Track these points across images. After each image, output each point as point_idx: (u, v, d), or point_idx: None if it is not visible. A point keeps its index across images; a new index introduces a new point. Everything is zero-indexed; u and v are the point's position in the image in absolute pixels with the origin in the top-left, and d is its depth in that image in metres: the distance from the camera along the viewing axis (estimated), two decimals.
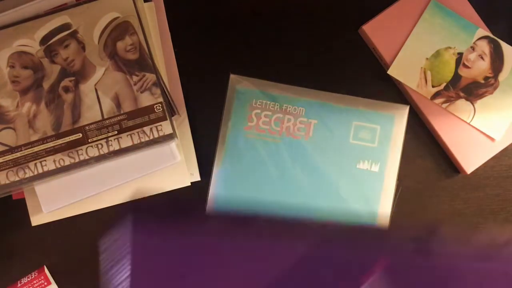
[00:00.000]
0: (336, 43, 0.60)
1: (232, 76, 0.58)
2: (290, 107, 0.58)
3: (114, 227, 0.57)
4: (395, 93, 0.60)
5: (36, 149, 0.51)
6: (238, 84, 0.58)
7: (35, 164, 0.51)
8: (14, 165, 0.51)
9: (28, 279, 0.56)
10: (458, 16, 0.59)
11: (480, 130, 0.58)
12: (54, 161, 0.51)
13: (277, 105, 0.58)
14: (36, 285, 0.55)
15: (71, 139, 0.51)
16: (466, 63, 0.58)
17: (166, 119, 0.52)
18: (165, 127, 0.52)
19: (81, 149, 0.51)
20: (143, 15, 0.54)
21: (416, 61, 0.58)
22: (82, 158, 0.51)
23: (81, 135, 0.51)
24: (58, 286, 0.57)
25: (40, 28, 0.53)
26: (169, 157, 0.53)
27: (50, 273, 0.57)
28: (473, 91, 0.58)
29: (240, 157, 0.57)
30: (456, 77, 0.58)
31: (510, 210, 0.59)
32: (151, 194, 0.55)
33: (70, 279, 0.57)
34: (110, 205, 0.55)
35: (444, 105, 0.58)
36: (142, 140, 0.51)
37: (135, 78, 0.52)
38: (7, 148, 0.51)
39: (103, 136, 0.51)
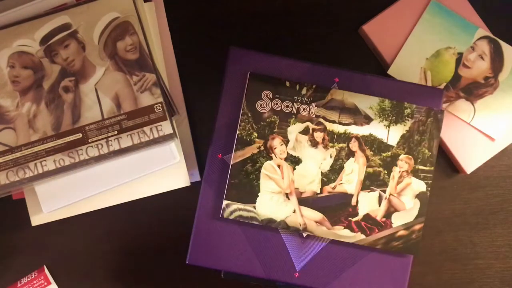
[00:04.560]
0: (336, 43, 0.60)
1: None
2: None
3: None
4: None
5: (36, 149, 0.51)
6: None
7: (35, 164, 0.51)
8: (14, 165, 0.51)
9: (28, 279, 0.56)
10: (458, 16, 0.59)
11: (480, 130, 0.58)
12: (54, 161, 0.51)
13: None
14: (36, 285, 0.55)
15: (71, 139, 0.51)
16: (466, 63, 0.58)
17: (166, 119, 0.52)
18: (165, 127, 0.52)
19: (81, 149, 0.51)
20: (143, 15, 0.54)
21: (416, 61, 0.58)
22: (82, 158, 0.51)
23: (81, 135, 0.51)
24: (58, 286, 0.57)
25: (40, 28, 0.53)
26: (169, 157, 0.53)
27: (50, 273, 0.57)
28: (473, 91, 0.58)
29: None
30: (456, 77, 0.58)
31: (510, 210, 0.59)
32: (151, 194, 0.55)
33: (70, 279, 0.57)
34: (110, 205, 0.55)
35: (444, 105, 0.58)
36: (142, 140, 0.51)
37: (135, 78, 0.52)
38: (7, 148, 0.51)
39: (103, 136, 0.51)
